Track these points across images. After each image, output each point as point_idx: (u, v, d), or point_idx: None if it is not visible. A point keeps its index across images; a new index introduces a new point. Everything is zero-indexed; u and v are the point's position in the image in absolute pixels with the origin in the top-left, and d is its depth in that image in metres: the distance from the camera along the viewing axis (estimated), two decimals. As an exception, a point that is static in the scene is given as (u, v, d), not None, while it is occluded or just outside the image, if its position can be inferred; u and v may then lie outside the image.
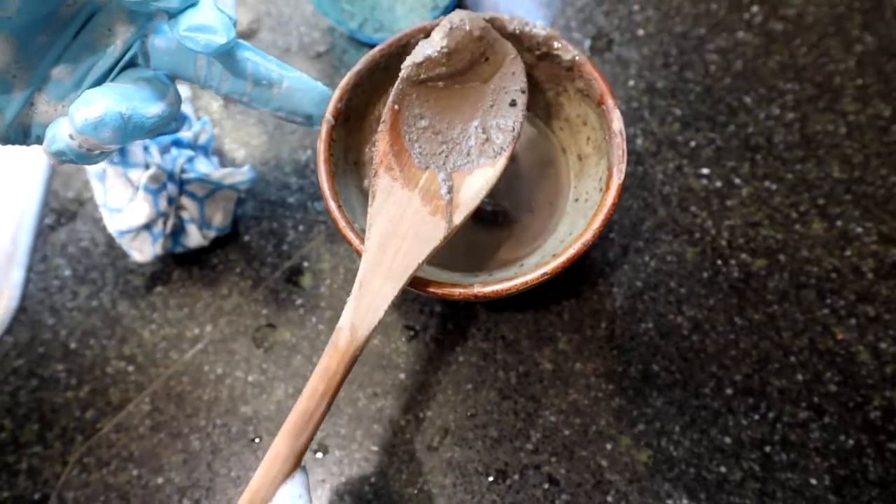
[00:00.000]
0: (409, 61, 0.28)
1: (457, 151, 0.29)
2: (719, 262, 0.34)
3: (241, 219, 0.38)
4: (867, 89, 0.37)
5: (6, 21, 0.21)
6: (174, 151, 0.35)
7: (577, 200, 0.32)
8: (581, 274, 0.35)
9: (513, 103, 0.29)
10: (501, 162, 0.28)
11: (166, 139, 0.35)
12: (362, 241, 0.27)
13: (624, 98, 0.38)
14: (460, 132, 0.29)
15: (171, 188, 0.33)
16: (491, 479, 0.32)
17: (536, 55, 0.31)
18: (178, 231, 0.35)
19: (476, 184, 0.28)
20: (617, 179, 0.28)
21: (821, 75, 0.38)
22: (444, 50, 0.27)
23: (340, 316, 0.25)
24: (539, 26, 0.30)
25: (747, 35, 0.39)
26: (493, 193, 0.33)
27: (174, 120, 0.25)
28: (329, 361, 0.25)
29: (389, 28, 0.39)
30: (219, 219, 0.35)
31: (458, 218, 0.27)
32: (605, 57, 0.40)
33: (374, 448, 0.32)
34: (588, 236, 0.27)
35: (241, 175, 0.35)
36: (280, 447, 0.23)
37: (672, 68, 0.39)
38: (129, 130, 0.22)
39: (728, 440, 0.31)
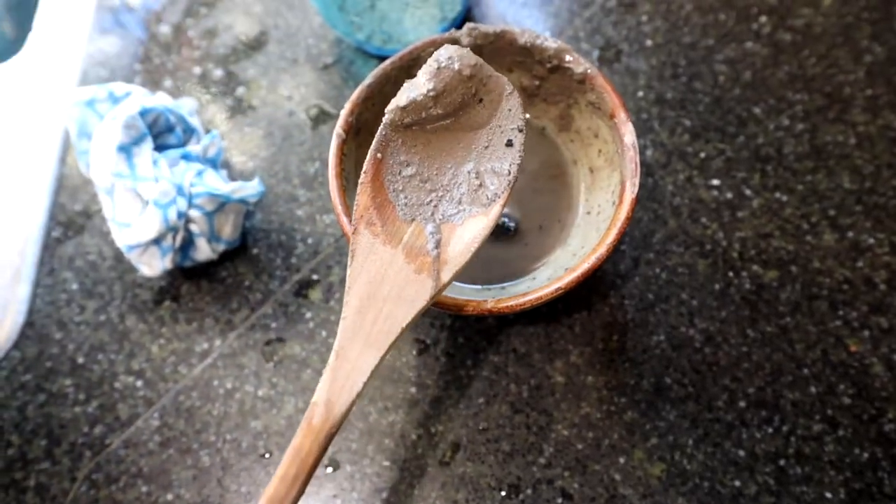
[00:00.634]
0: (392, 105, 0.26)
1: (447, 200, 0.26)
2: (731, 273, 0.34)
3: (249, 232, 0.38)
4: (877, 100, 0.37)
5: None
6: (183, 165, 0.34)
7: (588, 213, 0.32)
8: (593, 286, 0.35)
9: (509, 143, 0.26)
10: (496, 210, 0.26)
11: (175, 153, 0.35)
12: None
13: (633, 109, 0.38)
14: (451, 178, 0.27)
15: (181, 202, 0.33)
16: (503, 493, 0.31)
17: (548, 68, 0.31)
18: (187, 245, 0.35)
19: (467, 236, 0.25)
20: (630, 193, 0.28)
21: (830, 86, 0.38)
22: (431, 93, 0.25)
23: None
24: (550, 39, 0.30)
25: (756, 45, 0.39)
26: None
27: None
28: (302, 441, 0.23)
29: (398, 40, 0.39)
30: (228, 232, 0.35)
31: (447, 275, 0.25)
32: (614, 68, 0.40)
33: (386, 463, 0.32)
34: (602, 250, 0.27)
35: (250, 188, 0.35)
36: None
37: (681, 79, 0.39)
38: None
39: (742, 453, 0.31)
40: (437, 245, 0.25)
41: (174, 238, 0.34)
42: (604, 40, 0.40)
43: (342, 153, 0.29)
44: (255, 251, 0.37)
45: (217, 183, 0.34)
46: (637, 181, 0.28)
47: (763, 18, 0.40)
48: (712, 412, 0.32)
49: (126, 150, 0.33)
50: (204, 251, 0.35)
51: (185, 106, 0.39)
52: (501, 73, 0.33)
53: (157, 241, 0.33)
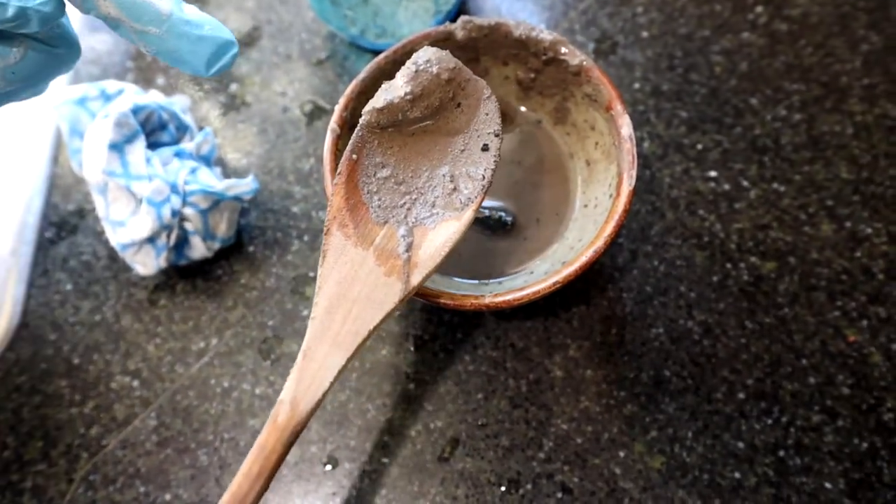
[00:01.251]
0: (369, 106, 0.26)
1: (420, 203, 0.26)
2: (728, 265, 0.34)
3: (244, 229, 0.37)
4: (874, 89, 0.37)
5: None
6: (176, 163, 0.34)
7: (585, 206, 0.32)
8: (590, 279, 0.34)
9: (485, 148, 0.26)
10: (468, 215, 0.26)
11: (168, 150, 0.34)
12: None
13: (630, 101, 0.38)
14: (426, 181, 0.27)
15: (175, 200, 0.33)
16: (503, 489, 0.31)
17: (543, 60, 0.31)
18: (182, 243, 0.35)
19: (438, 240, 0.25)
20: (627, 185, 0.27)
21: (827, 75, 0.38)
22: (408, 97, 0.25)
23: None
24: (546, 31, 0.30)
25: (752, 36, 0.39)
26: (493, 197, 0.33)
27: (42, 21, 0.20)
28: (267, 438, 0.23)
29: (391, 34, 0.38)
30: (223, 229, 0.35)
31: (417, 278, 0.25)
32: (610, 60, 0.39)
33: (385, 460, 0.32)
34: (600, 243, 0.27)
35: (244, 185, 0.35)
36: None
37: (677, 70, 0.39)
38: None
39: (741, 445, 0.31)
40: (409, 248, 0.25)
41: (168, 236, 0.33)
42: (599, 32, 0.40)
43: (337, 149, 0.29)
44: (250, 249, 0.37)
45: (211, 180, 0.34)
46: (634, 173, 0.28)
47: (759, 8, 0.40)
48: (711, 404, 0.32)
49: (118, 148, 0.32)
50: (199, 249, 0.35)
51: (178, 103, 0.38)
52: (496, 66, 0.33)
53: (151, 240, 0.33)
